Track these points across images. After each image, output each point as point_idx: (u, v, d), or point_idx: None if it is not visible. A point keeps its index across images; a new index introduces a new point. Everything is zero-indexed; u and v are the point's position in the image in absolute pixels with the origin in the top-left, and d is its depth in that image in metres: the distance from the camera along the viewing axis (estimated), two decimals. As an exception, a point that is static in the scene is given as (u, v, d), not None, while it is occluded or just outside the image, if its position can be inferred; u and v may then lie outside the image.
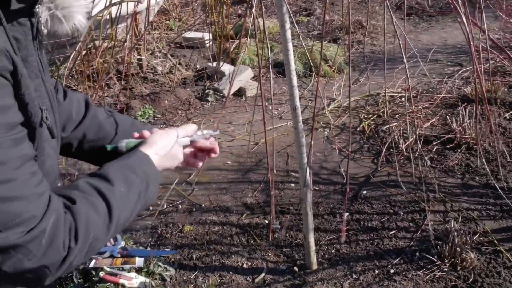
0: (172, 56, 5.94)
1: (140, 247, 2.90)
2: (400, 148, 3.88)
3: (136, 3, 2.86)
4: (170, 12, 7.14)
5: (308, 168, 2.39)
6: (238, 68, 5.43)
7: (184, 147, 1.29)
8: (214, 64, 5.49)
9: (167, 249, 2.97)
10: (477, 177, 3.53)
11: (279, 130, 4.42)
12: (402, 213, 3.20)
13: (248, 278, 2.74)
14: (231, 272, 2.79)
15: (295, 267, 2.78)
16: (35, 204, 0.87)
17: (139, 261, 2.61)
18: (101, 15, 2.94)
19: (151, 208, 3.36)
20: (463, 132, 3.95)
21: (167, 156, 1.21)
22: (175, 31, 6.82)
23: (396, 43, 5.12)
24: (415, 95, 4.86)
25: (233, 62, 5.68)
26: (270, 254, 2.91)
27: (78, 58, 4.06)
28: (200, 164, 1.40)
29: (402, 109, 4.56)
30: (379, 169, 3.73)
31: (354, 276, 2.72)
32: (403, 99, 4.74)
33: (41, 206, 0.88)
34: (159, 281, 2.68)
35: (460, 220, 3.08)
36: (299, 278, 2.71)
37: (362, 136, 4.25)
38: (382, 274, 2.72)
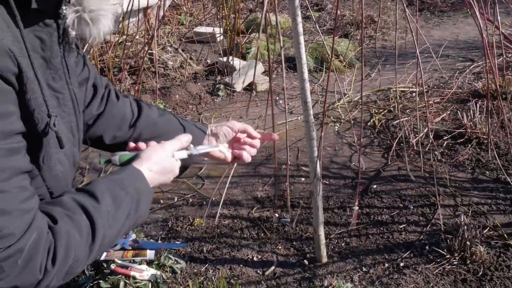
0: (183, 50, 5.96)
1: (151, 240, 2.93)
2: (411, 143, 3.88)
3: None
4: (181, 6, 7.16)
5: (318, 161, 2.41)
6: (249, 62, 5.45)
7: (182, 160, 1.23)
8: (225, 58, 5.50)
9: (177, 242, 2.99)
10: (487, 172, 3.53)
11: (289, 125, 4.43)
12: (412, 207, 3.20)
13: (258, 271, 2.77)
14: (241, 265, 2.81)
15: (305, 260, 2.80)
16: (16, 221, 0.82)
17: (150, 254, 2.64)
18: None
19: (161, 201, 3.39)
20: (473, 127, 3.95)
21: (161, 172, 1.15)
22: (186, 25, 6.84)
23: (408, 38, 5.11)
24: (426, 90, 4.84)
25: (243, 57, 5.69)
26: (280, 247, 2.93)
27: (90, 52, 4.10)
28: (248, 157, 1.47)
29: (412, 104, 4.56)
30: (389, 163, 3.73)
31: (364, 269, 2.73)
32: (414, 94, 4.73)
33: (23, 224, 0.83)
34: (170, 274, 2.71)
35: (470, 214, 3.09)
36: (309, 271, 2.73)
37: (372, 130, 4.25)
38: (391, 268, 2.73)
